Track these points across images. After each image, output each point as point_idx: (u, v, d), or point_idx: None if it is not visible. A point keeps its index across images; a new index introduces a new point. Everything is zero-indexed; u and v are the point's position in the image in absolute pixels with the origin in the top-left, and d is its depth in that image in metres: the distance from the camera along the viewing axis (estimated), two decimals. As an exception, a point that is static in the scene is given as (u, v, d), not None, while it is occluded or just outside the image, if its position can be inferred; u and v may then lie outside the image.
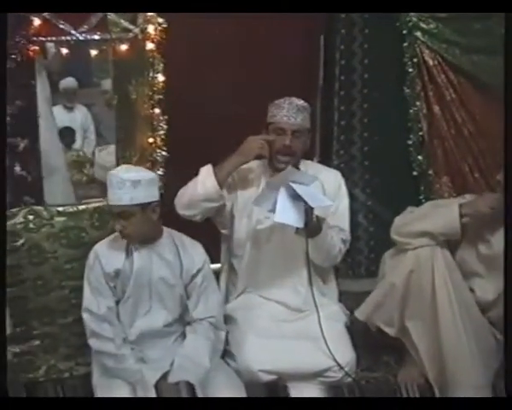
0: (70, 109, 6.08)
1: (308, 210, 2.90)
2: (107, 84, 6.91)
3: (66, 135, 5.87)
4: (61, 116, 4.78)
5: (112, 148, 4.30)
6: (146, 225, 2.92)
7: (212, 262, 3.19)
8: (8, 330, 2.98)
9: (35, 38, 3.00)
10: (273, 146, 3.12)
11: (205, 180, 3.12)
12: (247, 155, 3.14)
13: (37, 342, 3.34)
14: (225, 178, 3.14)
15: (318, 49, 4.06)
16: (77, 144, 6.06)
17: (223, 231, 3.33)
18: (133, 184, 2.81)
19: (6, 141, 2.11)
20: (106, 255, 2.99)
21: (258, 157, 3.17)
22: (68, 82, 5.66)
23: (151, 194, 2.88)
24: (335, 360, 3.07)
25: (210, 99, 3.71)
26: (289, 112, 3.11)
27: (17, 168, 3.07)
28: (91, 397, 2.21)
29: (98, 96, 7.08)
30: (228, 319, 3.24)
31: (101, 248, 3.03)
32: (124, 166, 2.96)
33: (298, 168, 3.16)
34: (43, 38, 3.03)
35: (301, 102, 3.16)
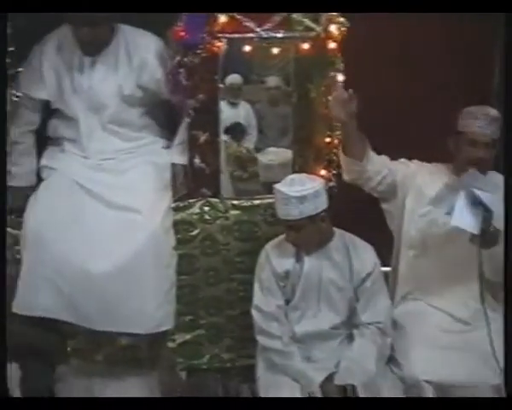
0: (234, 105, 6.26)
1: (486, 218, 2.82)
2: (272, 81, 7.06)
3: (237, 130, 6.05)
4: (226, 112, 4.88)
5: (273, 149, 4.41)
6: (316, 233, 2.98)
7: (384, 265, 3.15)
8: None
9: (220, 35, 3.06)
10: (462, 156, 3.06)
11: None
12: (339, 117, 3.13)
13: (202, 332, 3.43)
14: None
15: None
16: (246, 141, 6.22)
17: (392, 228, 3.29)
18: (299, 200, 2.88)
19: (6, 141, 2.16)
20: (277, 256, 3.08)
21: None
22: (234, 78, 5.82)
23: (319, 205, 2.93)
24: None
25: (387, 99, 3.69)
26: (483, 122, 3.04)
27: (197, 160, 3.21)
28: (92, 397, 2.26)
29: (262, 93, 7.24)
30: (394, 324, 3.21)
31: (272, 248, 3.12)
32: (289, 179, 3.00)
33: None
34: (228, 35, 3.09)
35: (494, 112, 3.08)
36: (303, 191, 2.89)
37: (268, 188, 3.60)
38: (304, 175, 3.04)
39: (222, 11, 3.03)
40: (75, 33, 3.04)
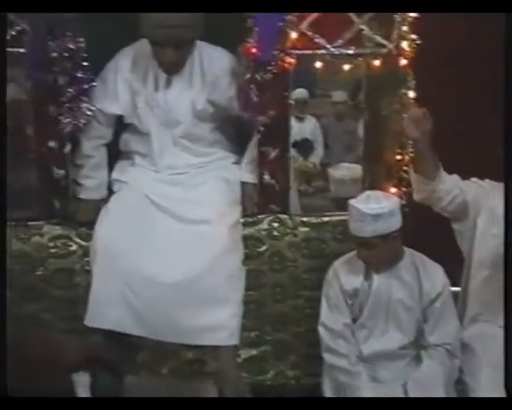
0: (300, 120, 6.28)
1: None
2: (338, 95, 7.06)
3: (304, 146, 6.07)
4: (293, 126, 4.91)
5: (346, 165, 4.40)
6: (387, 252, 2.97)
7: (453, 285, 3.11)
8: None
9: (291, 51, 3.07)
10: None
11: None
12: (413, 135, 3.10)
13: (268, 348, 3.44)
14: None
15: None
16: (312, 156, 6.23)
17: (462, 248, 3.25)
18: (374, 217, 2.86)
19: (6, 142, 2.18)
20: (345, 273, 3.08)
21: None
22: (300, 93, 5.84)
23: (392, 224, 2.92)
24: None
25: (455, 114, 3.65)
26: None
27: (266, 176, 3.24)
28: (93, 397, 2.24)
29: (328, 108, 7.24)
30: (463, 346, 3.17)
31: (340, 265, 3.12)
32: (364, 195, 2.99)
33: None
34: (299, 51, 3.10)
35: None
36: (379, 209, 2.88)
37: (338, 203, 3.62)
38: (380, 193, 3.04)
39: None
40: (157, 52, 3.07)
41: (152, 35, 3.03)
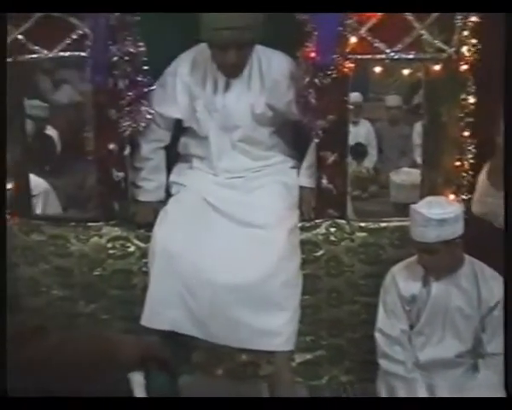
0: (355, 124, 6.28)
1: None
2: (392, 100, 7.05)
3: (359, 150, 6.07)
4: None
5: (406, 170, 4.38)
6: (450, 259, 2.94)
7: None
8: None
9: (351, 56, 3.07)
10: None
11: None
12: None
13: (323, 353, 3.44)
14: None
15: None
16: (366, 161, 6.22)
17: None
18: (439, 223, 2.83)
19: (6, 142, 2.17)
20: (403, 279, 3.06)
21: None
22: (355, 96, 5.84)
23: (456, 230, 2.89)
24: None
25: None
26: None
27: (324, 181, 3.23)
28: (94, 397, 2.22)
29: (382, 112, 7.23)
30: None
31: (398, 271, 3.10)
32: (426, 200, 2.97)
33: None
34: (359, 56, 3.09)
35: None
36: (444, 215, 2.85)
37: (396, 209, 3.59)
38: (442, 198, 3.02)
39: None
40: (217, 54, 3.09)
41: (213, 38, 3.05)
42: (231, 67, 3.16)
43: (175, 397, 2.20)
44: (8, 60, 3.24)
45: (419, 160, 5.62)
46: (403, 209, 3.15)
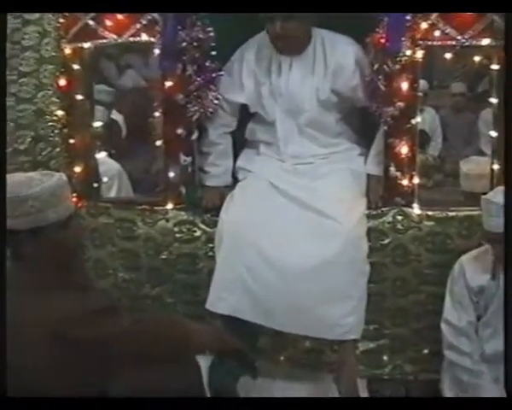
0: (420, 111, 6.16)
1: None
2: (457, 87, 6.91)
3: (422, 138, 5.97)
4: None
5: (475, 158, 4.29)
6: None
7: None
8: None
9: (421, 42, 3.02)
10: None
11: None
12: None
13: (386, 342, 3.41)
14: None
15: None
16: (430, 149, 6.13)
17: None
18: None
19: (6, 142, 2.14)
20: (471, 270, 3.02)
21: None
22: (421, 84, 5.72)
23: None
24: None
25: None
26: None
27: (392, 169, 3.19)
28: (93, 397, 2.19)
29: (447, 99, 7.10)
30: None
31: (467, 261, 3.06)
32: (498, 189, 2.89)
33: None
34: (429, 42, 3.05)
35: None
36: None
37: (465, 198, 3.53)
38: None
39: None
40: (271, 32, 3.13)
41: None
42: (283, 42, 3.16)
43: (175, 397, 2.23)
44: (79, 45, 3.31)
45: (484, 148, 5.53)
46: (471, 199, 3.09)
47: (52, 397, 2.04)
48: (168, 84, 3.22)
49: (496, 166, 3.23)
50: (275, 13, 3.03)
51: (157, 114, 3.31)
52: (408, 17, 3.01)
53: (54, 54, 3.39)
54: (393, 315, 3.39)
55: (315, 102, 3.25)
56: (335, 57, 3.22)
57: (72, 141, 3.46)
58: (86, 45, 3.36)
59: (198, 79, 3.17)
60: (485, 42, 3.11)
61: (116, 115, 5.67)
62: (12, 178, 2.16)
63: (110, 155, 4.62)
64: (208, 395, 2.86)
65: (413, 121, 3.15)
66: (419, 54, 3.08)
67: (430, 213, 3.25)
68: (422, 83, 5.69)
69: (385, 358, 3.47)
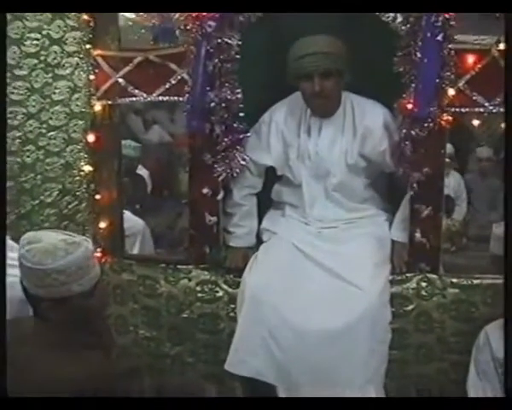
0: (445, 175, 6.16)
1: None
2: (483, 151, 6.92)
3: (447, 202, 5.96)
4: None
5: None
6: None
7: None
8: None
9: (448, 109, 3.03)
10: None
11: None
12: None
13: (408, 409, 3.32)
14: None
15: None
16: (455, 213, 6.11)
17: None
18: None
19: (6, 146, 2.12)
20: (497, 339, 2.96)
21: None
22: (448, 148, 5.73)
23: None
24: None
25: None
26: None
27: (417, 234, 3.17)
28: (94, 397, 2.14)
29: (472, 164, 7.11)
30: None
31: (492, 330, 3.02)
32: None
33: None
34: (456, 109, 3.06)
35: None
36: None
37: (495, 262, 3.48)
38: None
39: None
40: (304, 88, 3.16)
41: (298, 66, 3.11)
42: (319, 101, 3.18)
43: (175, 397, 2.18)
44: (108, 102, 3.36)
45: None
46: (499, 262, 3.05)
47: (52, 397, 2.02)
48: (195, 143, 3.24)
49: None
50: (312, 69, 3.08)
51: (182, 170, 3.33)
52: (436, 82, 3.00)
53: (83, 109, 3.42)
54: (416, 382, 3.33)
55: (343, 166, 3.26)
56: (364, 121, 3.24)
57: (98, 196, 3.46)
58: (116, 102, 3.39)
59: (225, 139, 3.18)
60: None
61: (142, 170, 5.73)
62: (37, 244, 2.14)
63: (135, 210, 4.64)
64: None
65: (439, 187, 3.11)
66: (446, 120, 3.05)
67: (455, 280, 3.21)
68: (448, 147, 5.72)
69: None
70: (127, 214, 3.99)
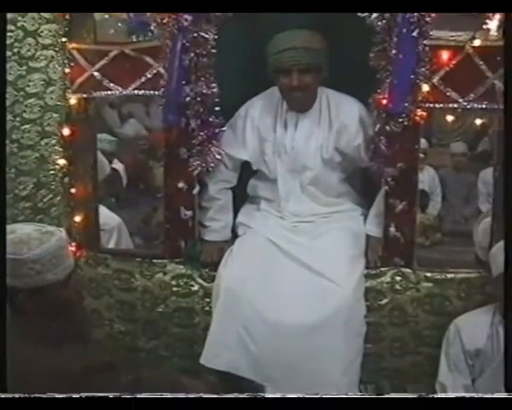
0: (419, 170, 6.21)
1: None
2: (457, 147, 6.98)
3: (421, 197, 6.01)
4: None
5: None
6: None
7: None
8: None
9: (422, 104, 3.05)
10: None
11: None
12: None
13: (382, 402, 3.35)
14: None
15: None
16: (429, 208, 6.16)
17: None
18: None
19: (5, 145, 2.13)
20: (467, 331, 3.01)
21: None
22: (421, 143, 5.77)
23: None
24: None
25: None
26: None
27: (392, 229, 3.19)
28: (94, 397, 2.16)
29: (446, 159, 7.17)
30: None
31: (462, 322, 3.06)
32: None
33: None
34: (431, 104, 3.07)
35: None
36: None
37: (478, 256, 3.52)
38: None
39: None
40: (283, 83, 3.16)
41: (276, 61, 3.12)
42: (297, 96, 3.18)
43: (176, 397, 2.19)
44: (84, 96, 3.35)
45: (483, 208, 5.56)
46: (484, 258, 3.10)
47: (52, 397, 2.02)
48: (171, 137, 3.23)
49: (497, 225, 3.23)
50: (292, 65, 3.09)
51: (157, 165, 3.32)
52: (411, 77, 3.02)
53: (58, 103, 3.40)
54: (391, 376, 3.37)
55: (319, 161, 3.27)
56: (340, 116, 3.26)
57: (73, 190, 3.45)
58: (91, 96, 3.38)
59: (201, 133, 3.18)
60: (486, 105, 3.11)
61: (117, 164, 5.70)
62: (11, 235, 2.15)
63: (110, 204, 4.62)
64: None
65: (413, 182, 3.14)
66: (420, 116, 3.08)
67: (428, 274, 3.24)
68: (422, 141, 5.76)
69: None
70: (104, 210, 3.96)
